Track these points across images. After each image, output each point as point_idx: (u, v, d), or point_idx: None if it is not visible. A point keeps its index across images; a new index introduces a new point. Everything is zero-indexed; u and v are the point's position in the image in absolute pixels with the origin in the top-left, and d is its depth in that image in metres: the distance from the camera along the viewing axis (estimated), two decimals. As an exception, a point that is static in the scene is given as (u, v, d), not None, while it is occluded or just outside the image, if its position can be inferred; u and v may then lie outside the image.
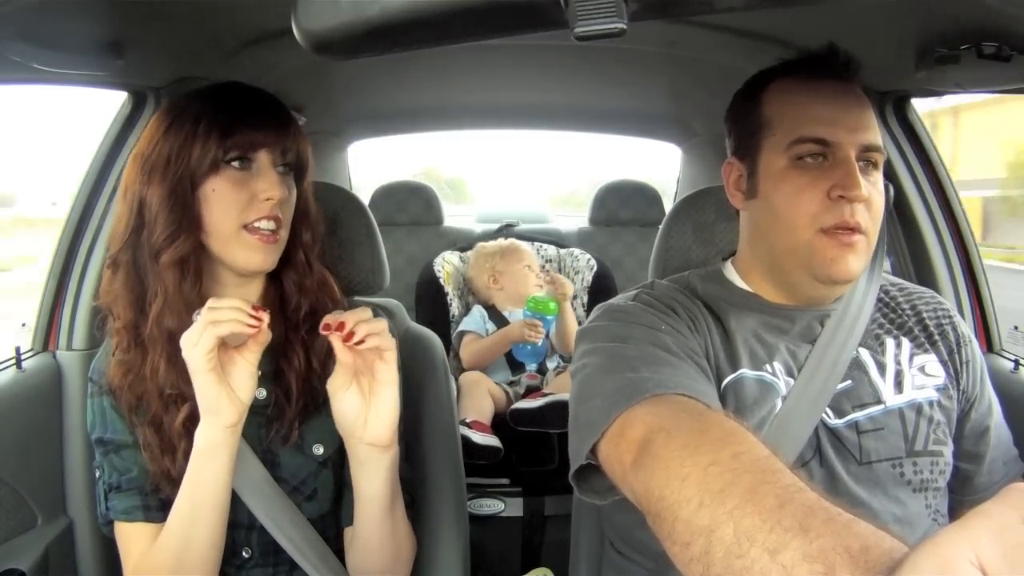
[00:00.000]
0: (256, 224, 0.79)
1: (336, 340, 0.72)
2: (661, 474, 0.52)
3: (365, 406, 0.75)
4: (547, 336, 1.87)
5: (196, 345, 0.70)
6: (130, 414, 0.82)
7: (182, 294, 0.78)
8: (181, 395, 0.79)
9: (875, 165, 0.77)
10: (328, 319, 0.72)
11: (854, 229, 0.73)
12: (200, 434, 0.74)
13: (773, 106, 0.78)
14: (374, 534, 0.82)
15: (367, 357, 0.74)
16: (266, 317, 0.71)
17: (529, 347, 1.85)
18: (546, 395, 1.70)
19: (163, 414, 0.80)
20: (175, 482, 0.79)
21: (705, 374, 0.73)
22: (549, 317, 1.85)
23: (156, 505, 0.83)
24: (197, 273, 0.79)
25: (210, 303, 0.71)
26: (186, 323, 0.76)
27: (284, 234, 0.82)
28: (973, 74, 0.91)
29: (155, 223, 0.78)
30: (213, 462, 0.75)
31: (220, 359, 0.71)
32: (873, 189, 0.75)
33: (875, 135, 0.76)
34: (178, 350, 0.74)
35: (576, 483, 0.69)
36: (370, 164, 2.88)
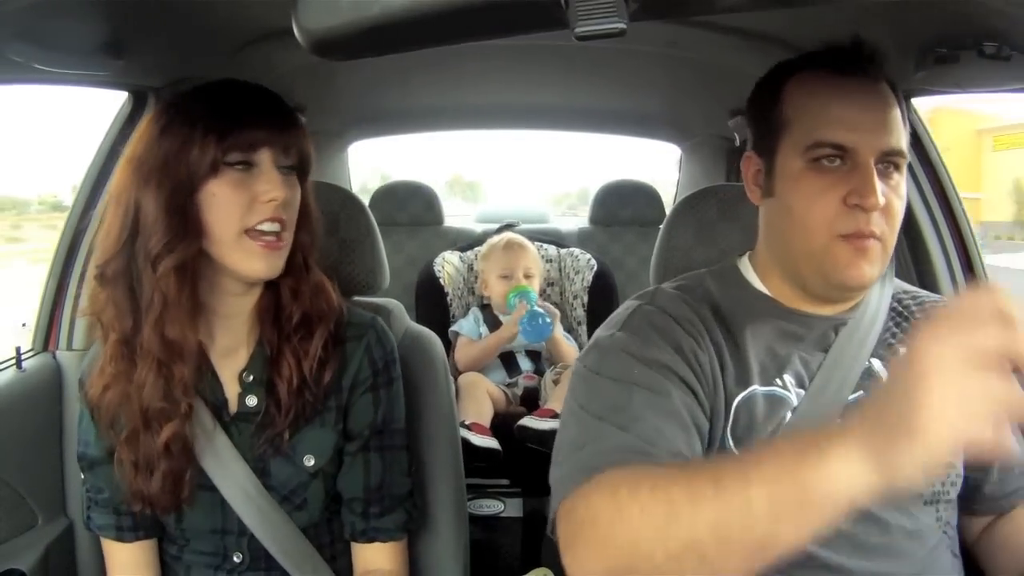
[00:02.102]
0: (259, 227, 0.76)
1: None
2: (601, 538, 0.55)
3: None
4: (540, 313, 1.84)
5: None
6: (107, 429, 0.80)
7: (181, 301, 0.75)
8: (165, 412, 0.77)
9: (897, 167, 0.73)
10: None
11: (869, 236, 0.71)
12: None
13: (792, 104, 0.76)
14: None
15: None
16: None
17: (530, 325, 1.80)
18: (556, 415, 1.63)
19: (142, 432, 0.77)
20: (150, 502, 0.78)
21: (680, 420, 0.70)
22: (532, 294, 1.86)
23: (128, 525, 0.83)
24: (195, 280, 0.76)
25: None
26: (187, 332, 0.74)
27: (288, 237, 0.79)
28: (973, 74, 0.91)
29: (152, 229, 0.74)
30: None
31: None
32: (893, 194, 0.72)
33: (898, 139, 0.73)
34: (171, 362, 0.73)
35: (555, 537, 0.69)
36: (404, 172, 2.88)
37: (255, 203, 0.76)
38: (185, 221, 0.74)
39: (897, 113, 0.74)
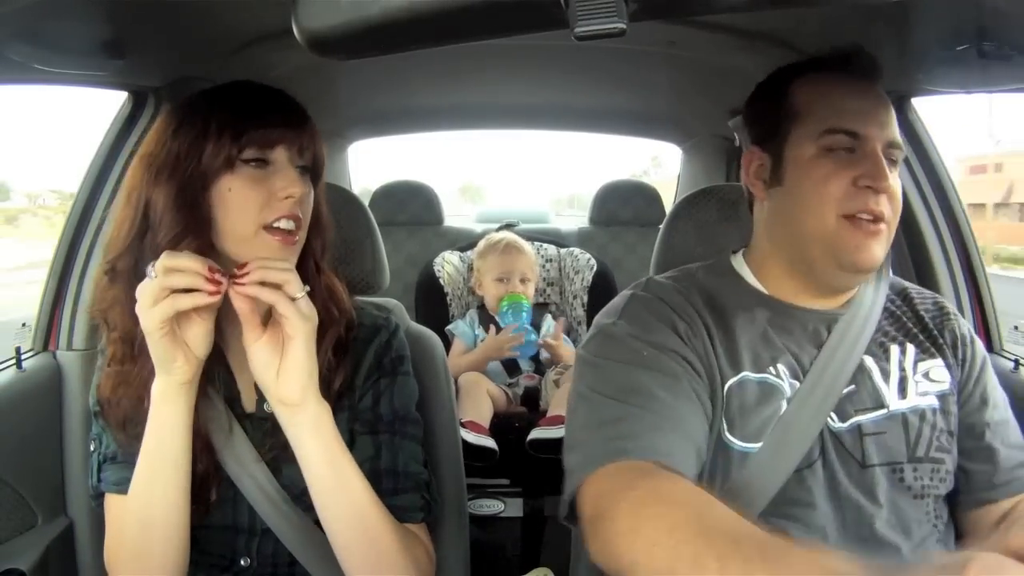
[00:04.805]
0: (276, 224, 0.76)
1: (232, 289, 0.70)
2: (621, 540, 0.58)
3: (276, 361, 0.73)
4: (531, 325, 1.86)
5: (151, 309, 0.67)
6: (118, 431, 0.79)
7: None
8: None
9: (895, 163, 0.78)
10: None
11: (878, 218, 0.75)
12: (155, 387, 0.73)
13: (802, 97, 0.80)
14: (325, 510, 0.77)
15: (279, 310, 0.71)
16: (225, 282, 0.69)
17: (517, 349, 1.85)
18: (564, 420, 1.63)
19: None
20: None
21: (693, 401, 0.73)
22: (525, 305, 1.87)
23: None
24: None
25: (165, 260, 0.68)
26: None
27: (302, 236, 0.79)
28: (973, 74, 0.91)
29: (160, 224, 0.74)
30: (167, 410, 0.73)
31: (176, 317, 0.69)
32: (895, 184, 0.76)
33: (897, 133, 0.79)
34: None
35: (569, 523, 0.72)
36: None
37: (272, 200, 0.75)
38: (194, 216, 0.74)
39: (894, 113, 0.79)
